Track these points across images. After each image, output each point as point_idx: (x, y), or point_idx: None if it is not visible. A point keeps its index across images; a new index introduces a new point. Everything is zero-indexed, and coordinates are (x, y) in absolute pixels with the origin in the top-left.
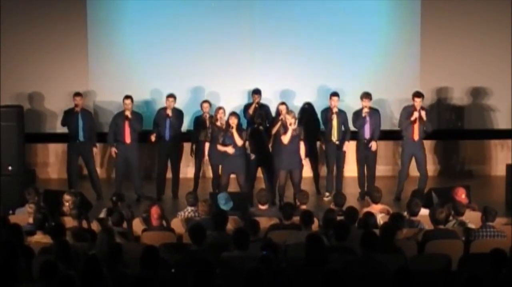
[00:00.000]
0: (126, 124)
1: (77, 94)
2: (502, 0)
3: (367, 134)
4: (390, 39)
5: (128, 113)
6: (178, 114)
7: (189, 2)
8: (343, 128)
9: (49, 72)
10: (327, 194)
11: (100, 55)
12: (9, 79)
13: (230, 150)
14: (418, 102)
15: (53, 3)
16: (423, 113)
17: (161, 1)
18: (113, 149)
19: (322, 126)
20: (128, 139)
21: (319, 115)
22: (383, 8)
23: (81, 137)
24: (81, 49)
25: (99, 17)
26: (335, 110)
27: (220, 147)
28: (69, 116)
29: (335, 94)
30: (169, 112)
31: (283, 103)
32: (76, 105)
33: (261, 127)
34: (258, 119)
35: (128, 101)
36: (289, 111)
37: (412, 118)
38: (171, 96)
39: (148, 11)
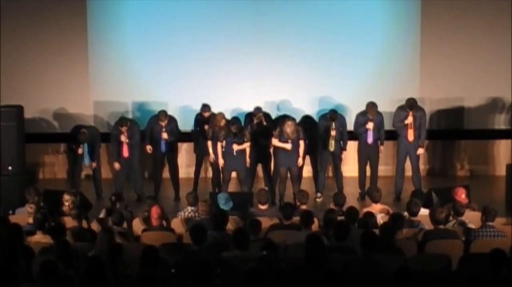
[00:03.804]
0: (123, 145)
1: (81, 127)
2: (502, 0)
3: (370, 139)
4: (390, 40)
5: (123, 139)
6: (173, 127)
7: (189, 5)
8: (340, 129)
9: (49, 72)
10: (318, 194)
11: (100, 55)
12: (9, 79)
13: (220, 162)
14: (411, 114)
15: (53, 3)
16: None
17: (162, 2)
18: (117, 165)
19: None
20: (126, 154)
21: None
22: (383, 9)
23: (86, 162)
24: (81, 50)
25: (99, 17)
26: (333, 127)
27: (219, 148)
28: (73, 144)
29: (334, 114)
30: (164, 136)
31: (287, 117)
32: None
33: (259, 121)
34: (259, 115)
35: (124, 129)
36: (290, 124)
37: (406, 122)
38: (163, 114)
39: (148, 11)
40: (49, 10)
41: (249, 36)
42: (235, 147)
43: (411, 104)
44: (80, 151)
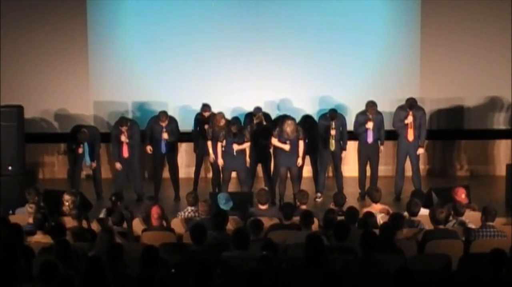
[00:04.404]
0: (123, 145)
1: (81, 126)
2: (502, 0)
3: (369, 139)
4: (390, 40)
5: (124, 139)
6: (173, 128)
7: (189, 5)
8: (340, 129)
9: (49, 72)
10: (318, 194)
11: (100, 55)
12: (9, 79)
13: (220, 162)
14: (411, 113)
15: (53, 3)
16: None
17: (161, 2)
18: (118, 165)
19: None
20: (126, 154)
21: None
22: (383, 9)
23: (87, 161)
24: (81, 49)
25: (99, 17)
26: (333, 127)
27: (219, 148)
28: (73, 144)
29: (334, 114)
30: (165, 136)
31: (287, 117)
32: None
33: (259, 121)
34: (259, 115)
35: (124, 129)
36: (290, 123)
37: (406, 121)
38: (164, 114)
39: (148, 11)
40: (49, 10)
41: (249, 36)
42: (235, 147)
43: (411, 104)
44: (80, 150)
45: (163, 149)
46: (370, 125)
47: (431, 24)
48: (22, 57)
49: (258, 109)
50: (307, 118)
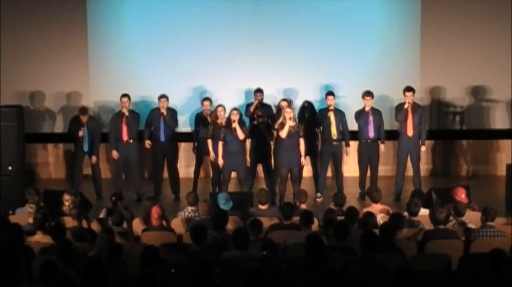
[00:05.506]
0: (123, 122)
1: (82, 109)
2: (502, 0)
3: (370, 133)
4: (390, 38)
5: (125, 110)
6: (173, 113)
7: (189, 4)
8: (341, 128)
9: (49, 72)
10: (318, 194)
11: (100, 55)
12: (9, 79)
13: (220, 162)
14: (409, 96)
15: (53, 4)
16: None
17: (161, 2)
18: (115, 152)
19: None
20: (125, 137)
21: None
22: (383, 7)
23: (86, 147)
24: (81, 49)
25: (99, 17)
26: (331, 108)
27: (220, 148)
28: (74, 127)
29: (330, 93)
30: (163, 111)
31: (284, 100)
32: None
33: (260, 120)
34: (259, 114)
35: (125, 99)
36: (289, 105)
37: (405, 106)
38: (163, 96)
39: (148, 10)
40: (49, 10)
41: (249, 34)
42: (236, 126)
43: (407, 87)
44: (81, 133)
45: (162, 137)
46: (369, 103)
47: (431, 23)
48: (22, 57)
49: (259, 89)
50: (306, 103)
